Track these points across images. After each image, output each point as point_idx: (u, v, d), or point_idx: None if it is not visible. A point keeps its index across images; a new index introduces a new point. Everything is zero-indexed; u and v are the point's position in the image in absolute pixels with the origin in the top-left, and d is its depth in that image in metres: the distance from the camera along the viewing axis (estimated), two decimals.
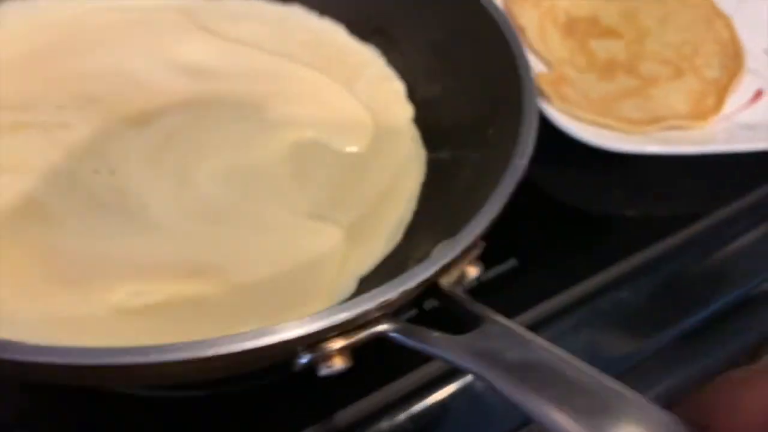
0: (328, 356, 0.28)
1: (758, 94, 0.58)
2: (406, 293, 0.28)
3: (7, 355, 0.24)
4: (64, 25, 0.49)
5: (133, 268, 0.36)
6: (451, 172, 0.44)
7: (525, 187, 0.51)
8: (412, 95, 0.50)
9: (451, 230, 0.34)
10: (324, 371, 0.28)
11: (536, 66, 0.56)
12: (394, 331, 0.29)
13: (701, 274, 0.50)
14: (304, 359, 0.28)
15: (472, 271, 0.33)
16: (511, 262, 0.48)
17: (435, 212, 0.42)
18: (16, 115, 0.42)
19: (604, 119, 0.52)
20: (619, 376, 0.41)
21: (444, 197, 0.42)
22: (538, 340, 0.27)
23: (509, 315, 0.42)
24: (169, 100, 0.45)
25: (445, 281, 0.31)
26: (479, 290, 0.43)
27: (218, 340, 0.26)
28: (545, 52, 0.57)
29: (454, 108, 0.47)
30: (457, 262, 0.31)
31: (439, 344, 0.28)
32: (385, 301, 0.28)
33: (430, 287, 0.31)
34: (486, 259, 0.45)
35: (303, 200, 0.42)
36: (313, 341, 0.27)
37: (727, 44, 0.60)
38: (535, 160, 0.53)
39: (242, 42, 0.51)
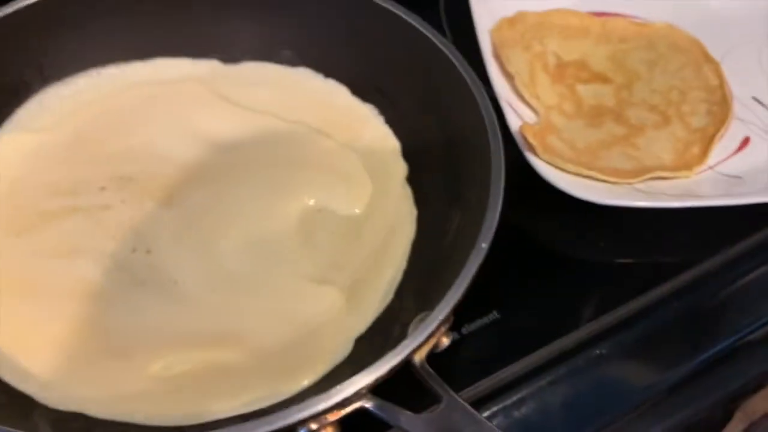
0: (322, 428, 0.36)
1: (745, 142, 0.57)
2: (380, 378, 0.35)
3: None
4: (100, 104, 0.56)
5: (167, 339, 0.43)
6: (437, 231, 0.49)
7: (512, 236, 0.54)
8: (406, 153, 0.55)
9: (432, 294, 0.41)
10: None
11: (525, 114, 0.58)
12: (372, 407, 0.36)
13: (684, 327, 0.51)
14: None
15: (444, 341, 0.41)
16: (493, 315, 0.49)
17: (421, 273, 0.48)
18: (64, 200, 0.49)
19: (589, 171, 0.52)
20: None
21: (429, 257, 0.48)
22: (483, 420, 0.34)
23: (488, 371, 0.47)
24: (194, 174, 0.52)
25: (418, 357, 0.38)
26: (459, 344, 0.49)
27: (241, 426, 0.34)
28: (534, 99, 0.58)
29: (439, 168, 0.52)
30: (427, 341, 0.38)
31: (404, 421, 0.35)
32: (363, 387, 0.35)
33: (405, 365, 0.38)
34: (467, 313, 0.50)
35: (309, 265, 0.48)
36: (310, 419, 0.35)
37: (715, 90, 0.59)
38: (521, 210, 0.56)
39: (256, 109, 0.56)
